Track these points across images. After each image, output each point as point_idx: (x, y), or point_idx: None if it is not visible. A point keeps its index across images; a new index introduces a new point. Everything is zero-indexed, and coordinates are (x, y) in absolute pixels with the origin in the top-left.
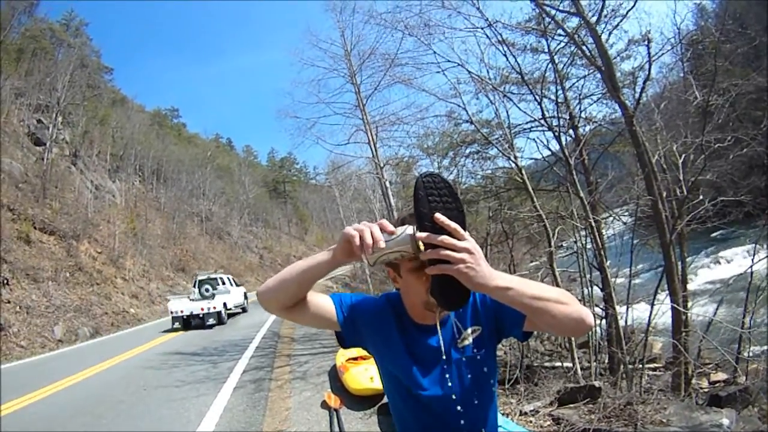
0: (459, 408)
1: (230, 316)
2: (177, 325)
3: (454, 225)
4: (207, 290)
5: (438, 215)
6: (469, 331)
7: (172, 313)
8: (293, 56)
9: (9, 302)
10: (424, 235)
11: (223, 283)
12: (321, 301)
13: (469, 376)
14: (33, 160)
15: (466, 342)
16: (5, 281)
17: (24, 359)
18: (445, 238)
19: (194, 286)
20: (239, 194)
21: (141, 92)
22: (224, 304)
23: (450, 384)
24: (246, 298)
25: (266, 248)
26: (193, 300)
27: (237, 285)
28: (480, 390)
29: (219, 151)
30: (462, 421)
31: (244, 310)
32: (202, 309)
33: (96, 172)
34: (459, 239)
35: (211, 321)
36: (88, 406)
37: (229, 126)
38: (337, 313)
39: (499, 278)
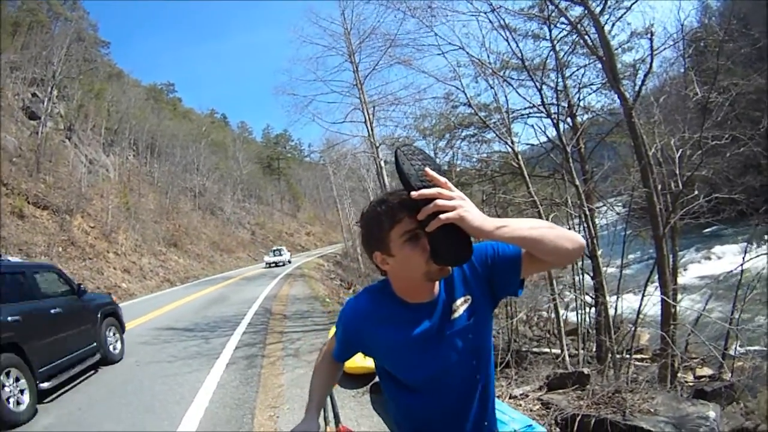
0: (455, 380)
1: (277, 265)
2: (269, 266)
3: (442, 179)
4: (277, 252)
5: (427, 169)
6: (459, 302)
7: (266, 262)
8: (292, 33)
9: None
10: (416, 193)
11: (282, 251)
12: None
13: (463, 346)
14: (27, 134)
15: (457, 314)
16: None
17: None
18: (439, 189)
19: (271, 251)
20: (233, 170)
21: (137, 67)
22: (284, 258)
23: (445, 359)
24: (291, 257)
25: (258, 224)
26: (271, 257)
27: (287, 251)
28: (477, 358)
29: (214, 126)
30: (460, 396)
31: (289, 262)
32: (276, 261)
33: (90, 146)
34: (448, 189)
35: (281, 264)
36: (80, 382)
37: (224, 102)
38: (339, 358)
39: (494, 219)
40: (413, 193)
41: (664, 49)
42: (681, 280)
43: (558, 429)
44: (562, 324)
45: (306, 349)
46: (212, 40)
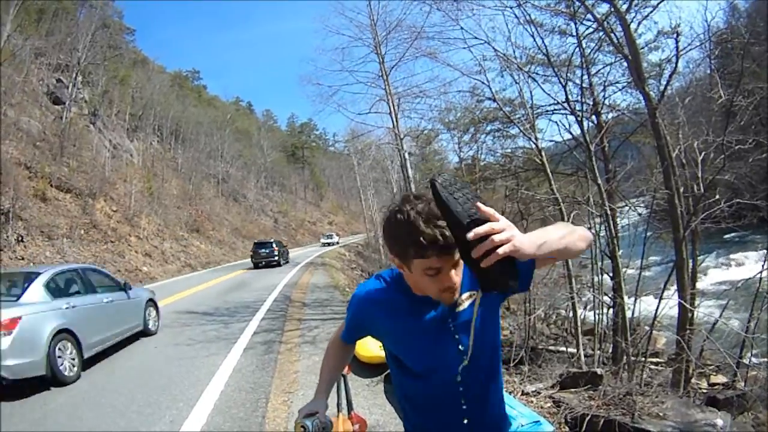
0: (460, 374)
1: (330, 245)
2: (323, 246)
3: (490, 209)
4: (329, 236)
5: (479, 204)
6: (465, 296)
7: (321, 242)
8: (318, 23)
9: (23, 259)
10: (472, 234)
11: (332, 235)
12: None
13: (467, 337)
14: (51, 119)
15: (462, 307)
16: (20, 238)
17: None
18: (491, 224)
19: (325, 235)
20: (257, 157)
21: (162, 54)
22: (334, 241)
23: (447, 350)
24: (338, 239)
25: (281, 212)
26: (325, 240)
27: (337, 235)
28: (482, 351)
29: (238, 114)
30: (463, 387)
31: (336, 243)
32: (329, 242)
33: (114, 131)
34: (497, 221)
35: (333, 244)
36: (98, 363)
37: (249, 90)
38: (348, 339)
39: (535, 238)
40: (469, 235)
41: (690, 49)
42: (700, 284)
43: (567, 428)
44: (579, 323)
45: (323, 337)
46: (238, 27)
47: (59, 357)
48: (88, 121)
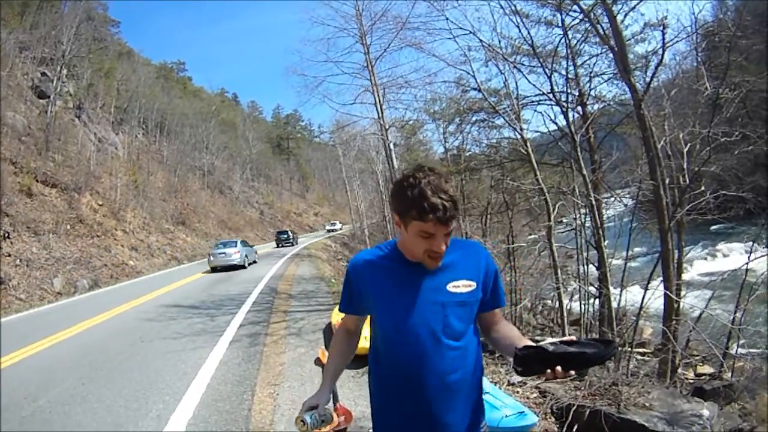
0: (425, 338)
1: (334, 232)
2: (329, 232)
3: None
4: (333, 224)
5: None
6: (464, 282)
7: (327, 229)
8: (303, 14)
9: (9, 255)
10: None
11: (336, 223)
12: (352, 325)
13: (453, 317)
14: (36, 113)
15: (458, 290)
16: (6, 234)
17: (23, 312)
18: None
19: (330, 223)
20: (242, 149)
21: (148, 46)
22: (337, 228)
23: (422, 312)
24: (341, 226)
25: (267, 204)
26: (330, 227)
27: (340, 223)
28: (464, 333)
29: (224, 105)
30: (439, 361)
31: (339, 230)
32: (333, 229)
33: (99, 124)
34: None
35: (337, 230)
36: (85, 358)
37: (235, 81)
38: (346, 308)
39: None
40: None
41: (677, 41)
42: (685, 276)
43: (553, 418)
44: (565, 314)
45: (309, 329)
46: (224, 19)
47: (245, 259)
48: (73, 115)
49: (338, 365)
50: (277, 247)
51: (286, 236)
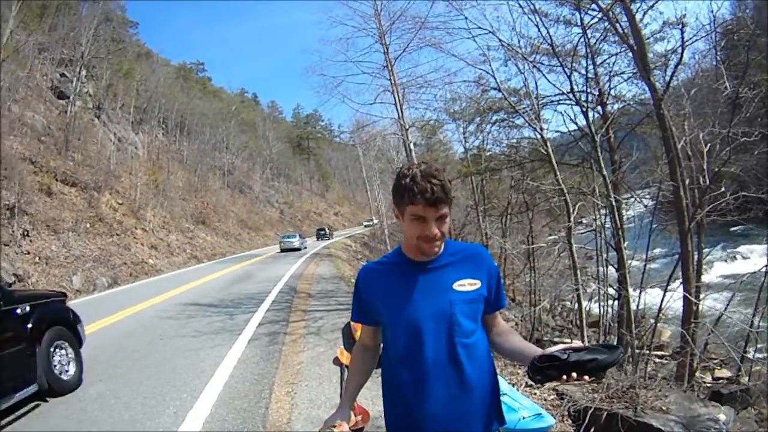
0: (447, 343)
1: (372, 226)
2: (365, 227)
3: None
4: (370, 220)
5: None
6: (468, 281)
7: (364, 224)
8: (322, 14)
9: (29, 253)
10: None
11: (373, 219)
12: (368, 340)
13: (462, 315)
14: (56, 113)
15: (464, 289)
16: (25, 233)
17: None
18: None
19: (367, 220)
20: (262, 149)
21: (166, 47)
22: (374, 223)
23: (426, 307)
24: (376, 221)
25: (287, 203)
26: (368, 222)
27: (377, 220)
28: (473, 331)
29: (244, 105)
30: (450, 359)
31: (375, 224)
32: (369, 224)
33: (119, 124)
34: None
35: (369, 226)
36: (103, 354)
37: (254, 82)
38: (358, 317)
39: None
40: (574, 376)
41: (696, 40)
42: (705, 277)
43: (570, 420)
44: (584, 315)
45: (328, 328)
46: (242, 19)
47: (301, 244)
48: (92, 115)
49: (357, 384)
50: (317, 240)
51: (323, 232)
